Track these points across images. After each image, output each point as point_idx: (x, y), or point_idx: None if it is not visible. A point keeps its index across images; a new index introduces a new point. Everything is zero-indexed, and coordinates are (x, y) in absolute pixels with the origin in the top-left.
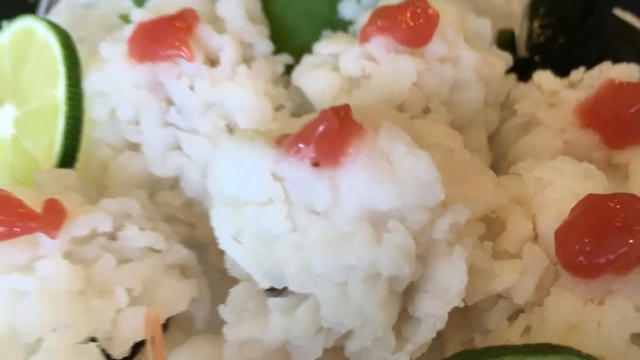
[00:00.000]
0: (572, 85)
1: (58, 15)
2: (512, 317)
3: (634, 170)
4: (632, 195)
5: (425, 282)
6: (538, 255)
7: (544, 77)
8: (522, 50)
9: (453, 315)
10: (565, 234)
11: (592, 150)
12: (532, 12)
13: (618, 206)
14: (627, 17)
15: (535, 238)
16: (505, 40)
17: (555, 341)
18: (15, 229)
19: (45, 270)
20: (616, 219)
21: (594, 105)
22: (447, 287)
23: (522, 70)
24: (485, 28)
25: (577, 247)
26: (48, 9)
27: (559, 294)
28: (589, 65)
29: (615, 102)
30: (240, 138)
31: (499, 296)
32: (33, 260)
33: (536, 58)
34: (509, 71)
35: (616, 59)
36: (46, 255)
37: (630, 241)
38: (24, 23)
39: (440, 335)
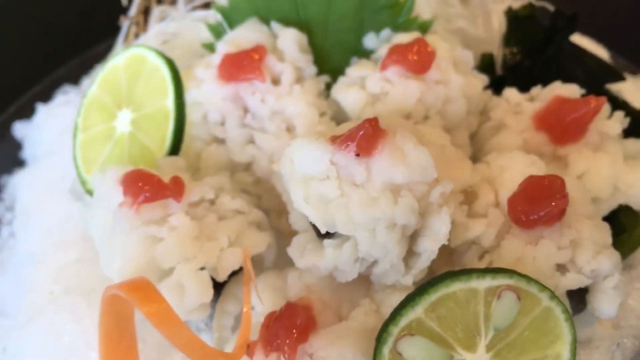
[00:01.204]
0: (532, 99)
1: (149, 41)
2: (481, 257)
3: (570, 160)
4: (556, 176)
5: (424, 230)
6: (497, 215)
7: (510, 92)
8: (499, 70)
9: (441, 256)
10: (514, 201)
11: (542, 146)
12: (506, 41)
13: (547, 183)
14: (584, 41)
15: (497, 204)
16: (486, 62)
17: None
18: (157, 195)
19: (174, 222)
20: (545, 191)
21: (545, 114)
22: (437, 232)
23: (498, 85)
24: (469, 57)
25: (519, 209)
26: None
27: (509, 239)
28: (548, 82)
29: (559, 112)
30: (310, 138)
31: (472, 242)
32: (165, 217)
33: (508, 77)
34: (487, 87)
35: (569, 78)
36: (174, 213)
37: (552, 204)
38: (136, 50)
39: (433, 271)
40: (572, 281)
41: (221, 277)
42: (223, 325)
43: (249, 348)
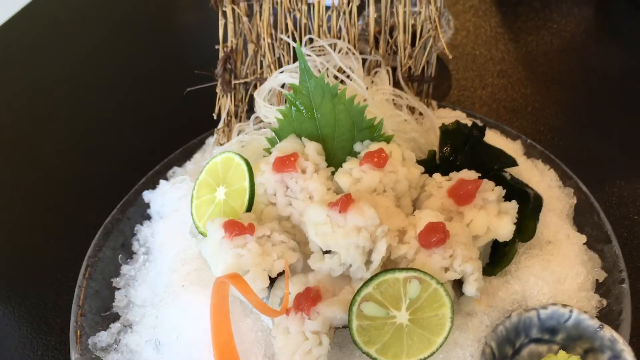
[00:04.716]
0: (449, 179)
1: (233, 146)
2: (407, 264)
3: (465, 214)
4: (441, 222)
5: (374, 249)
6: (415, 243)
7: (437, 175)
8: (438, 161)
9: (389, 263)
10: (421, 235)
11: (451, 206)
12: (440, 144)
13: (435, 225)
14: (503, 139)
15: (416, 237)
16: (431, 156)
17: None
18: (241, 232)
19: (250, 247)
20: (435, 229)
21: (453, 188)
22: (380, 250)
23: (436, 170)
24: (412, 155)
25: (423, 238)
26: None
27: (419, 255)
28: (465, 168)
29: (460, 187)
30: (317, 204)
31: (403, 257)
32: (245, 244)
33: (442, 165)
34: (425, 172)
35: (480, 165)
36: (249, 242)
37: (437, 236)
38: (228, 154)
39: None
40: (451, 276)
41: (273, 275)
42: (274, 302)
43: (287, 311)
